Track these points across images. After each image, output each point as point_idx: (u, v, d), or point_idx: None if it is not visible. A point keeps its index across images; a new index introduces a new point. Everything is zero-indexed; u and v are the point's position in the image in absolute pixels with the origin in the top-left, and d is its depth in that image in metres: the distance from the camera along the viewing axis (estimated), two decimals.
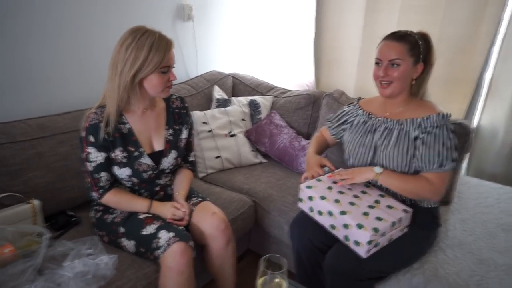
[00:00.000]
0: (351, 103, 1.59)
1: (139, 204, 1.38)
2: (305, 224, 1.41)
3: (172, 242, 1.24)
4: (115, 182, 1.39)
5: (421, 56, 1.30)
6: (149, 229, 1.30)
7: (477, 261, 1.35)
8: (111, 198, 1.36)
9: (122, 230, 1.34)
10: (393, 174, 1.32)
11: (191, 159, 1.57)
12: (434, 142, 1.27)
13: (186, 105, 1.52)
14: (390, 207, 1.28)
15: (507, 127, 2.00)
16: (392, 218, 1.22)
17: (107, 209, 1.41)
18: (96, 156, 1.30)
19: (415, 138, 1.31)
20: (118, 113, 1.31)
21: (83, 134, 1.30)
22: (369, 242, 1.17)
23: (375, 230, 1.16)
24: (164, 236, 1.26)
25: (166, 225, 1.32)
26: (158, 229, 1.29)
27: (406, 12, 2.04)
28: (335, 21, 2.34)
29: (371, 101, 1.53)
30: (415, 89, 1.37)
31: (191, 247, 1.28)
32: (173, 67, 1.31)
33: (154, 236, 1.28)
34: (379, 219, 1.21)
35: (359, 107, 1.53)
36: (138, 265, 1.29)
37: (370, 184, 1.41)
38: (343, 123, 1.56)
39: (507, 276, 1.27)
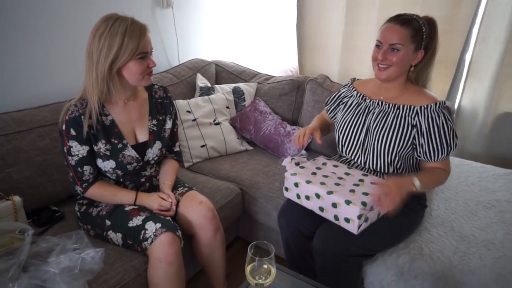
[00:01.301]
0: (346, 84, 1.57)
1: (124, 197, 1.36)
2: (292, 213, 1.42)
3: (159, 233, 1.24)
4: (99, 175, 1.37)
5: (423, 43, 1.28)
6: (135, 221, 1.29)
7: (459, 238, 1.38)
8: (96, 192, 1.33)
9: (108, 223, 1.32)
10: (425, 180, 1.26)
11: (176, 149, 1.55)
12: (438, 133, 1.28)
13: (169, 94, 1.49)
14: (374, 183, 1.30)
15: (487, 107, 2.04)
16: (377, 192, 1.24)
17: (92, 203, 1.39)
18: (78, 150, 1.27)
19: (413, 126, 1.31)
20: (99, 106, 1.27)
21: (63, 127, 1.26)
22: (359, 217, 1.18)
23: (363, 204, 1.18)
24: (151, 227, 1.25)
25: (152, 216, 1.30)
26: (145, 220, 1.28)
27: None
28: (317, 5, 2.32)
29: (366, 83, 1.51)
30: (414, 75, 1.35)
31: (178, 237, 1.28)
32: (151, 53, 1.27)
33: (141, 227, 1.27)
34: (365, 194, 1.23)
35: (354, 88, 1.50)
36: (126, 257, 1.28)
37: (351, 166, 1.43)
38: (338, 104, 1.55)
39: (487, 251, 1.32)
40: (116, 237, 1.31)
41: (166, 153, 1.52)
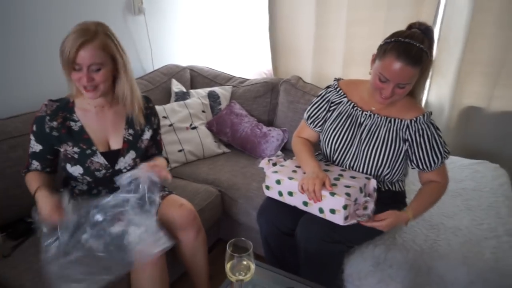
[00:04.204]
0: (328, 87, 1.49)
1: (31, 187, 1.27)
2: (271, 211, 1.44)
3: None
4: (51, 173, 1.37)
5: (425, 67, 1.24)
6: (117, 227, 1.28)
7: (429, 226, 1.46)
8: (27, 179, 1.33)
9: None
10: (418, 207, 1.31)
11: (164, 155, 1.54)
12: (429, 143, 1.31)
13: (151, 105, 1.46)
14: (353, 177, 1.34)
15: (452, 102, 2.15)
16: (358, 184, 1.28)
17: None
18: (33, 145, 1.32)
19: (405, 140, 1.34)
20: (71, 101, 1.31)
21: (33, 120, 1.32)
22: (345, 207, 1.21)
23: (348, 194, 1.22)
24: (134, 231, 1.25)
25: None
26: (127, 224, 1.27)
27: None
28: (288, 8, 2.37)
29: (355, 86, 1.44)
30: (414, 90, 1.33)
31: None
32: (93, 69, 1.19)
33: (123, 232, 1.26)
34: (347, 186, 1.27)
35: (343, 93, 1.44)
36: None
37: (330, 163, 1.48)
38: (327, 112, 1.46)
39: (455, 236, 1.40)
40: (97, 244, 1.30)
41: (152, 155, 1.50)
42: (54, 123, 1.28)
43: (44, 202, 1.20)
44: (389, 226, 1.25)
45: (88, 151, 1.32)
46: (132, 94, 1.33)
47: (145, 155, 1.45)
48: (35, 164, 1.34)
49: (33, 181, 1.30)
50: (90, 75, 1.20)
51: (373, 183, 1.32)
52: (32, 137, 1.32)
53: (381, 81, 1.23)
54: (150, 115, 1.44)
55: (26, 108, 1.64)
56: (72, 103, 1.33)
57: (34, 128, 1.30)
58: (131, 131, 1.39)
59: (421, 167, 1.35)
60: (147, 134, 1.43)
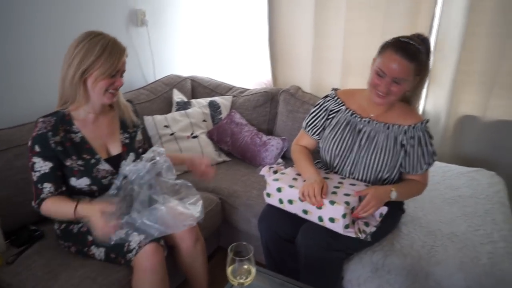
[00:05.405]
0: (326, 96, 1.52)
1: (66, 209, 1.27)
2: (271, 218, 1.47)
3: (143, 244, 1.26)
4: (61, 195, 1.31)
5: (421, 71, 1.29)
6: (118, 234, 1.30)
7: (426, 233, 1.48)
8: (47, 207, 1.28)
9: (90, 238, 1.33)
10: (402, 191, 1.36)
11: None
12: (421, 150, 1.36)
13: (135, 108, 1.54)
14: (353, 184, 1.37)
15: (448, 111, 2.19)
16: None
17: (72, 220, 1.39)
18: (41, 166, 1.27)
19: (402, 145, 1.38)
20: (68, 121, 1.32)
21: (29, 143, 1.28)
22: (344, 216, 1.23)
23: (347, 203, 1.24)
24: (135, 238, 1.28)
25: (135, 228, 1.32)
26: (128, 232, 1.30)
27: (352, 9, 2.17)
28: (287, 20, 2.42)
29: (352, 94, 1.48)
30: (410, 98, 1.39)
31: (162, 246, 1.31)
32: (122, 75, 1.32)
33: (124, 240, 1.29)
34: (347, 195, 1.29)
35: (341, 101, 1.47)
36: (109, 270, 1.30)
37: (330, 171, 1.50)
38: (325, 120, 1.49)
39: (451, 242, 1.42)
40: (98, 251, 1.32)
41: None
42: (57, 138, 1.28)
43: (88, 209, 1.23)
44: (374, 196, 1.27)
45: (93, 161, 1.35)
46: (121, 96, 1.43)
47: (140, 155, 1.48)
48: (47, 187, 1.28)
49: (58, 205, 1.27)
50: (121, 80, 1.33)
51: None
52: (36, 159, 1.27)
53: (379, 76, 1.28)
54: (137, 117, 1.53)
55: (31, 117, 1.67)
56: (68, 115, 1.34)
57: (37, 148, 1.26)
58: (126, 135, 1.45)
59: (407, 170, 1.40)
60: (139, 135, 1.50)
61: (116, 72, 1.28)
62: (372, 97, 1.34)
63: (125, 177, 1.29)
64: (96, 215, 1.19)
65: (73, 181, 1.33)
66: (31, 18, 1.71)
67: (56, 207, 1.29)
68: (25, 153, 1.51)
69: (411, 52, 1.24)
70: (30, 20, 1.71)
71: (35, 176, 1.28)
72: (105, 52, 1.24)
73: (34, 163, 1.28)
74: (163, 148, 1.39)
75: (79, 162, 1.32)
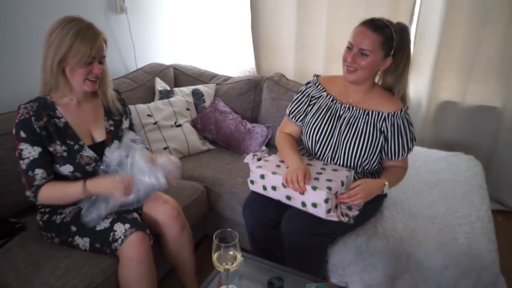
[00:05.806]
0: (308, 83, 1.54)
1: (72, 189, 1.27)
2: (256, 205, 1.48)
3: (129, 233, 1.26)
4: (52, 181, 1.30)
5: (392, 50, 1.31)
6: (103, 224, 1.30)
7: (408, 216, 1.52)
8: (45, 193, 1.26)
9: (74, 228, 1.32)
10: (392, 181, 1.40)
11: None
12: (400, 138, 1.39)
13: (122, 96, 1.52)
14: (335, 170, 1.39)
15: (429, 97, 2.23)
16: (339, 178, 1.33)
17: (55, 211, 1.37)
18: (29, 152, 1.23)
19: (381, 132, 1.40)
20: (51, 106, 1.29)
21: (14, 130, 1.25)
22: (326, 201, 1.25)
23: (329, 188, 1.26)
24: (120, 228, 1.27)
25: (120, 217, 1.32)
26: (113, 222, 1.29)
27: None
28: (269, 7, 2.41)
29: (333, 81, 1.50)
30: (390, 82, 1.40)
31: (148, 235, 1.31)
32: (102, 61, 1.28)
33: (109, 229, 1.28)
34: (329, 180, 1.31)
35: (322, 87, 1.49)
36: (94, 260, 1.29)
37: (313, 157, 1.52)
38: (307, 106, 1.51)
39: (432, 224, 1.47)
40: (83, 242, 1.31)
41: None
42: (41, 122, 1.25)
43: (102, 183, 1.26)
44: (364, 189, 1.29)
45: (76, 147, 1.32)
46: (108, 84, 1.40)
47: None
48: (39, 173, 1.24)
49: (59, 189, 1.27)
50: (101, 67, 1.27)
51: (352, 174, 1.38)
52: (23, 145, 1.23)
53: (348, 49, 1.34)
54: (124, 105, 1.50)
55: (11, 107, 1.62)
56: (51, 101, 1.31)
57: (23, 134, 1.23)
58: (111, 122, 1.43)
59: (388, 157, 1.44)
60: (125, 123, 1.48)
61: (92, 59, 1.24)
62: (344, 75, 1.37)
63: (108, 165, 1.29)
64: (117, 185, 1.21)
65: (57, 168, 1.31)
66: (8, 6, 1.64)
67: (58, 192, 1.27)
68: (2, 144, 1.49)
69: (376, 25, 1.30)
70: (6, 9, 1.64)
71: (24, 164, 1.24)
72: (77, 40, 1.20)
73: (21, 150, 1.23)
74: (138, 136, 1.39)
75: (63, 148, 1.30)
